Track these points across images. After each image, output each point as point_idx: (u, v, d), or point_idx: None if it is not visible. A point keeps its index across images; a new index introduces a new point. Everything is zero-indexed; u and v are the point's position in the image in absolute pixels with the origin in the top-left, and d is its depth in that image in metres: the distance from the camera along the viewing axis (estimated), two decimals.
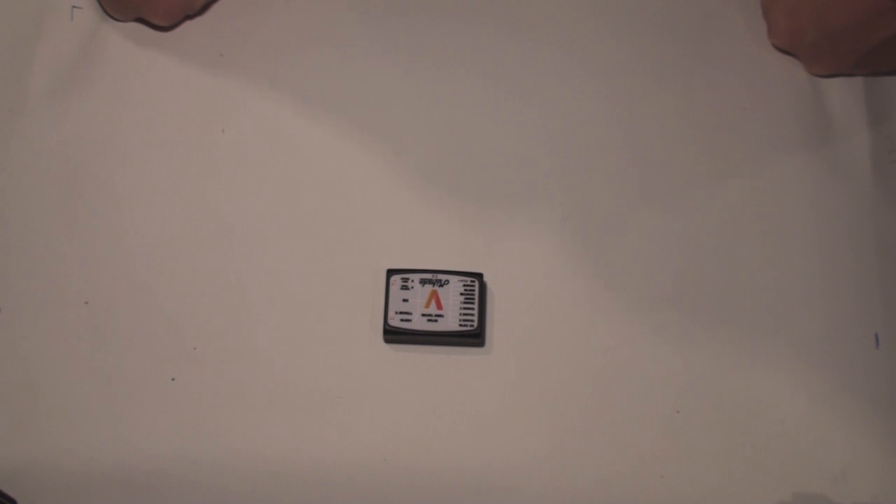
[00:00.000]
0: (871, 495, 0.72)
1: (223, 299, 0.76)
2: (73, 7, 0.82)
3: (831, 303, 0.76)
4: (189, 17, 0.82)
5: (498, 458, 0.73)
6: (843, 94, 0.81)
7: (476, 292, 0.74)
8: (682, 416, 0.74)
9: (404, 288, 0.74)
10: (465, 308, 0.73)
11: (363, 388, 0.74)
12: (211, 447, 0.73)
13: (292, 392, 0.74)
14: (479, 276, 0.74)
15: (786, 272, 0.77)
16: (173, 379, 0.74)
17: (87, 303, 0.76)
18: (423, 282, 0.74)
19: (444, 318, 0.73)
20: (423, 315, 0.73)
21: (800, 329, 0.76)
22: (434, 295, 0.74)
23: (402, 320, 0.73)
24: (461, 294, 0.73)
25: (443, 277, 0.74)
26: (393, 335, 0.74)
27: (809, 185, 0.79)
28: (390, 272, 0.74)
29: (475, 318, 0.73)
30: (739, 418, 0.74)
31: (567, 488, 0.72)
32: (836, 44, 0.78)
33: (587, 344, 0.75)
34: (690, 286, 0.76)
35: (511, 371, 0.74)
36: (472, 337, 0.73)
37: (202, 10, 0.82)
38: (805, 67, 0.81)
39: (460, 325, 0.73)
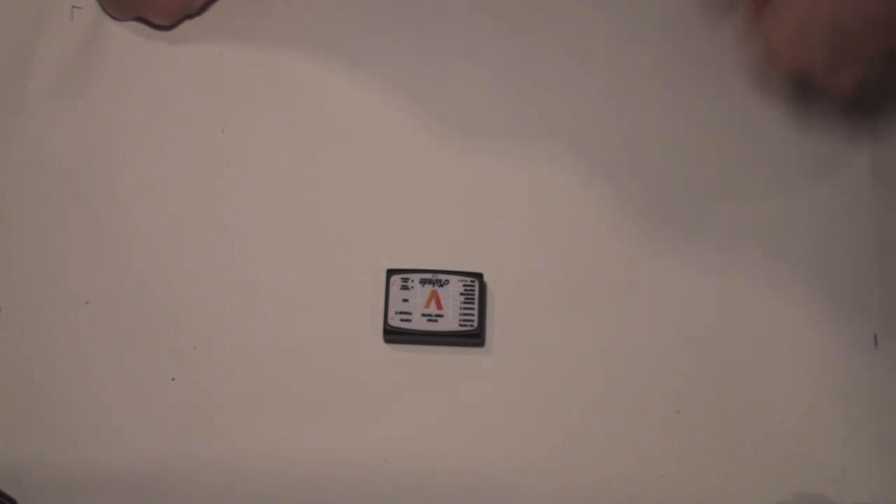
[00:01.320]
0: (871, 495, 0.72)
1: (223, 299, 0.76)
2: (73, 7, 0.82)
3: (831, 303, 0.76)
4: (189, 16, 0.82)
5: (498, 457, 0.73)
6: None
7: (476, 292, 0.74)
8: (682, 416, 0.74)
9: (404, 288, 0.74)
10: (465, 308, 0.73)
11: (363, 388, 0.74)
12: (211, 447, 0.73)
13: (292, 392, 0.74)
14: (479, 276, 0.74)
15: (785, 272, 0.77)
16: (173, 379, 0.74)
17: (87, 303, 0.76)
18: (423, 282, 0.74)
19: (444, 318, 0.73)
20: (423, 315, 0.73)
21: (799, 329, 0.76)
22: (434, 295, 0.74)
23: (402, 320, 0.73)
24: (461, 294, 0.73)
25: (443, 277, 0.74)
26: (393, 335, 0.74)
27: (809, 185, 0.79)
28: (390, 272, 0.74)
29: (475, 318, 0.73)
30: (739, 418, 0.74)
31: (567, 488, 0.72)
32: (852, 48, 0.75)
33: (587, 344, 0.75)
34: (690, 286, 0.76)
35: (511, 371, 0.74)
36: (472, 337, 0.73)
37: (202, 9, 0.82)
38: (824, 83, 0.78)
39: (460, 325, 0.73)
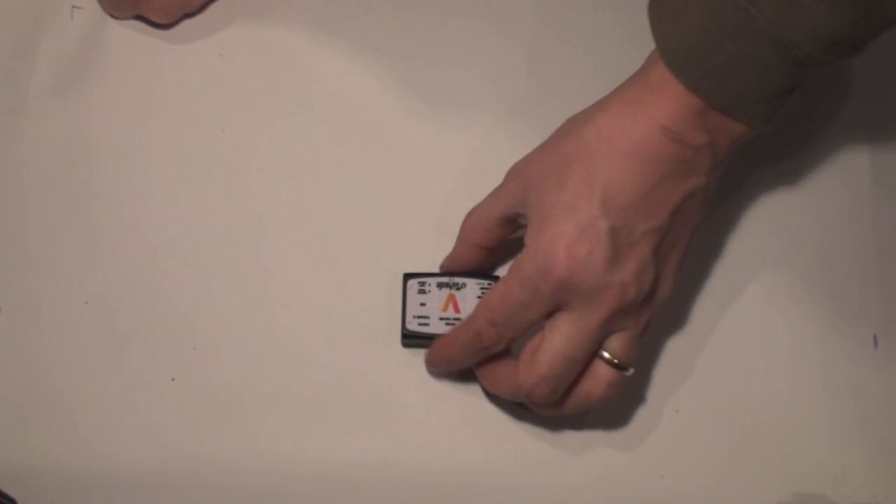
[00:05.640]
0: (871, 495, 0.73)
1: (224, 299, 0.76)
2: (74, 7, 0.82)
3: (830, 304, 0.76)
4: (189, 15, 0.82)
5: (500, 458, 0.73)
6: (843, 92, 0.81)
7: None
8: (682, 416, 0.74)
9: (421, 292, 0.74)
10: None
11: (372, 391, 0.74)
12: (211, 447, 0.73)
13: (292, 393, 0.74)
14: (495, 278, 0.74)
15: (785, 272, 0.77)
16: (173, 379, 0.74)
17: (87, 303, 0.75)
18: (440, 285, 0.74)
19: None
20: (441, 319, 0.73)
21: (799, 330, 0.76)
22: (451, 298, 0.73)
23: (420, 324, 0.73)
24: (478, 297, 0.73)
25: (460, 281, 0.74)
26: (411, 339, 0.74)
27: (809, 185, 0.79)
28: (407, 276, 0.74)
29: None
30: (739, 418, 0.74)
31: (567, 488, 0.72)
32: None
33: None
34: (689, 283, 0.76)
35: None
36: None
37: (201, 8, 0.82)
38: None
39: None
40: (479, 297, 0.73)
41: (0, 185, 0.78)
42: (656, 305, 0.68)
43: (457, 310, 0.73)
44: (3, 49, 0.81)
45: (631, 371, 0.68)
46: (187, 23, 0.82)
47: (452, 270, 0.74)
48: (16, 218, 0.77)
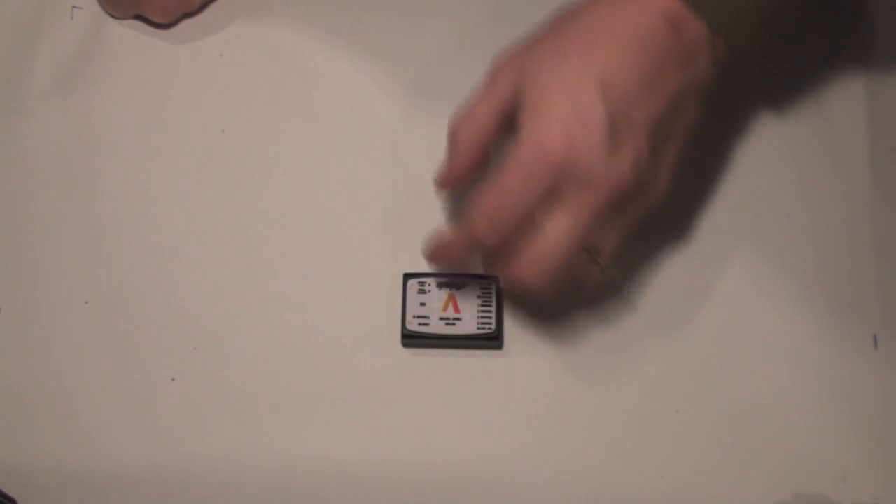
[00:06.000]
0: (871, 495, 0.72)
1: (224, 299, 0.76)
2: (74, 7, 0.82)
3: (830, 304, 0.76)
4: (188, 15, 0.82)
5: (504, 458, 0.73)
6: (843, 91, 0.81)
7: (493, 295, 0.74)
8: (682, 416, 0.74)
9: (421, 292, 0.74)
10: (482, 311, 0.73)
11: (373, 391, 0.74)
12: (211, 447, 0.73)
13: (292, 393, 0.74)
14: (496, 278, 0.74)
15: (784, 272, 0.77)
16: (173, 379, 0.74)
17: (87, 303, 0.76)
18: (440, 285, 0.74)
19: (462, 322, 0.73)
20: (441, 319, 0.73)
21: (799, 329, 0.76)
22: (451, 298, 0.74)
23: (420, 324, 0.73)
24: (478, 297, 0.73)
25: (460, 281, 0.74)
26: (411, 339, 0.74)
27: (808, 185, 0.79)
28: (407, 276, 0.74)
29: (493, 320, 0.73)
30: (739, 418, 0.74)
31: (567, 488, 0.72)
32: None
33: (588, 345, 0.75)
34: (689, 284, 0.76)
35: (526, 373, 0.74)
36: (491, 339, 0.73)
37: (201, 8, 0.82)
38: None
39: (478, 328, 0.73)
40: (478, 296, 0.73)
41: (0, 185, 0.78)
42: (650, 203, 0.66)
43: (457, 310, 0.73)
44: (3, 49, 0.81)
45: (612, 272, 0.67)
46: (187, 23, 0.82)
47: (453, 183, 0.70)
48: (16, 218, 0.77)
